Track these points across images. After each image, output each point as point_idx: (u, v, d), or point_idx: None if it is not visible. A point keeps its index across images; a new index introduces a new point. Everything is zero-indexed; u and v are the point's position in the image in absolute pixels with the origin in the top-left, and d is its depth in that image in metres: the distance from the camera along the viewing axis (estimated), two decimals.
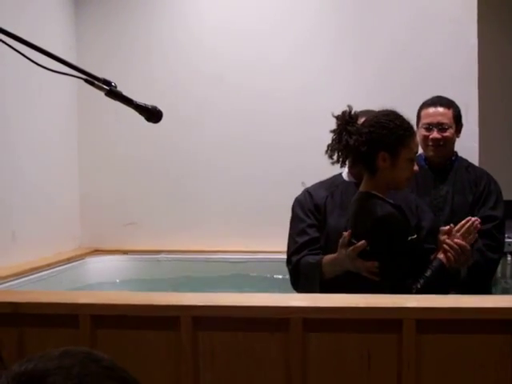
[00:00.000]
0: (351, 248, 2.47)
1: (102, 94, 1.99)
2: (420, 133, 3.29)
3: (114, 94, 1.96)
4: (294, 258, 2.78)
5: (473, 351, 2.10)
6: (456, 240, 2.58)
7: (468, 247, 2.60)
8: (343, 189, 2.91)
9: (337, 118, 2.57)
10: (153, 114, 2.03)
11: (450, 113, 3.27)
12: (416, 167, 2.62)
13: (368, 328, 2.12)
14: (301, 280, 2.75)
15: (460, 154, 3.44)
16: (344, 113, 2.57)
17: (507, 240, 3.44)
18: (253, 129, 4.15)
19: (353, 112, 2.57)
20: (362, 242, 2.45)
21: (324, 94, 4.05)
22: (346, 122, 2.55)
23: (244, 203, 4.16)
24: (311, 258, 2.72)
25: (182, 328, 2.15)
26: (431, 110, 3.30)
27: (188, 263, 3.99)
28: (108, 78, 1.99)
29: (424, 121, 3.30)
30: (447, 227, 2.62)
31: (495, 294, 3.41)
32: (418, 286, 2.49)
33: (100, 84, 1.95)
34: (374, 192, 2.57)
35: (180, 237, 4.19)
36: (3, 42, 1.78)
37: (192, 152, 4.25)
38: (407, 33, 4.01)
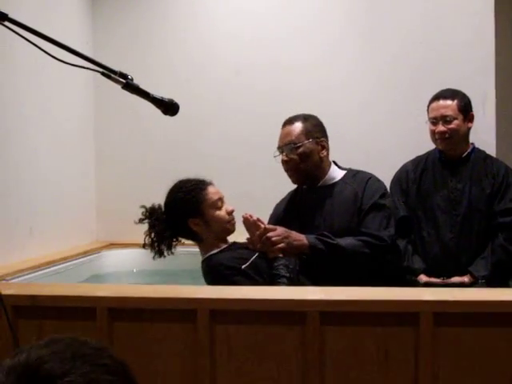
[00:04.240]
0: None
1: (118, 88, 1.99)
2: (428, 128, 3.31)
3: (130, 87, 1.96)
4: None
5: (490, 345, 2.09)
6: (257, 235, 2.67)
7: (267, 227, 2.68)
8: (294, 198, 3.09)
9: (141, 222, 2.79)
10: (169, 107, 2.03)
11: (453, 104, 3.25)
12: (231, 207, 2.78)
13: (385, 321, 2.12)
14: None
15: (477, 146, 3.42)
16: (146, 210, 2.79)
17: None
18: (267, 127, 4.14)
19: (156, 205, 2.80)
20: None
21: (340, 90, 4.06)
22: (151, 217, 2.77)
23: (257, 199, 4.15)
24: None
25: (199, 321, 2.16)
26: (435, 104, 3.30)
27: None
28: (124, 71, 1.99)
29: (430, 116, 3.31)
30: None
31: None
32: None
33: (116, 77, 1.95)
34: (207, 255, 2.76)
35: None
36: (21, 35, 1.79)
37: (207, 147, 4.26)
38: (424, 26, 4.00)
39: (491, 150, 3.68)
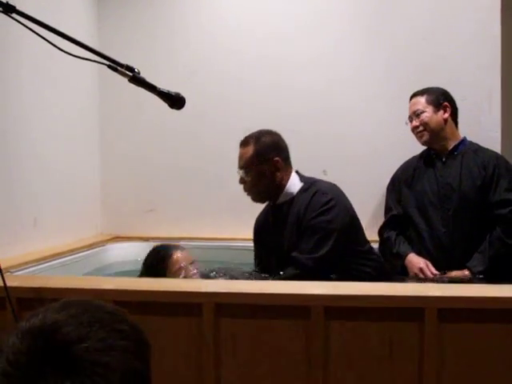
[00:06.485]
0: None
1: (123, 81, 1.99)
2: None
3: (137, 80, 1.96)
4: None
5: (494, 340, 2.09)
6: None
7: None
8: (266, 211, 3.19)
9: None
10: (176, 101, 2.03)
11: (422, 99, 3.38)
12: (192, 272, 2.82)
13: (390, 316, 2.11)
14: None
15: (482, 143, 3.41)
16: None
17: None
18: (273, 122, 4.13)
19: None
20: None
21: (346, 85, 4.05)
22: None
23: None
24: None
25: (205, 314, 2.16)
26: (409, 103, 3.44)
27: (208, 250, 4.00)
28: (129, 64, 1.98)
29: (408, 115, 3.43)
30: None
31: None
32: None
33: (123, 70, 1.95)
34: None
35: (200, 224, 4.20)
36: (28, 28, 1.79)
37: (211, 141, 4.25)
38: (430, 21, 3.98)
39: (497, 145, 3.68)
